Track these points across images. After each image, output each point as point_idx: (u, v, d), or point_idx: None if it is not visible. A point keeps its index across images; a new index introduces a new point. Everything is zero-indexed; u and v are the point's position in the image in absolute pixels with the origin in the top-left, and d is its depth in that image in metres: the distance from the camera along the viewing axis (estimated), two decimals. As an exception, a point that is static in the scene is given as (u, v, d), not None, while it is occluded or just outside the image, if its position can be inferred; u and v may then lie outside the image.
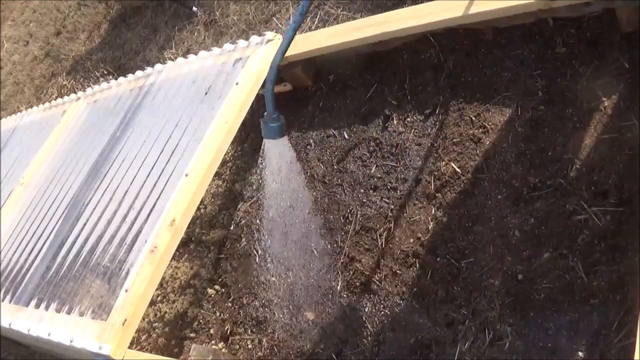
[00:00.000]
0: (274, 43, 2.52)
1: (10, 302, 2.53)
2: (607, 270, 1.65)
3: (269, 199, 1.82)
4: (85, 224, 2.51)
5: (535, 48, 2.08)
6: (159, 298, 2.70)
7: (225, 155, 2.56)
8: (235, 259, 2.54)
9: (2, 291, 2.62)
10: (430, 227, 2.04)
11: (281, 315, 1.99)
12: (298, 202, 1.85)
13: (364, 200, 2.25)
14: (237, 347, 2.31)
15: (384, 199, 2.20)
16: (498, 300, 1.78)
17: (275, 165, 1.69)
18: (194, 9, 3.72)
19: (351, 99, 2.52)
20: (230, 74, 2.49)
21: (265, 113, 1.53)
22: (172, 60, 2.98)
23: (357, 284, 2.11)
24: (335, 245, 2.23)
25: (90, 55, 4.40)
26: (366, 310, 2.04)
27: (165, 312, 2.64)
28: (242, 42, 2.60)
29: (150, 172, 2.42)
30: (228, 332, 2.36)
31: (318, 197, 2.40)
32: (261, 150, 1.64)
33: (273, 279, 1.98)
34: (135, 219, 2.30)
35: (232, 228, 2.64)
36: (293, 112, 2.73)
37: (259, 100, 2.82)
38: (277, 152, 1.64)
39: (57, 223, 2.69)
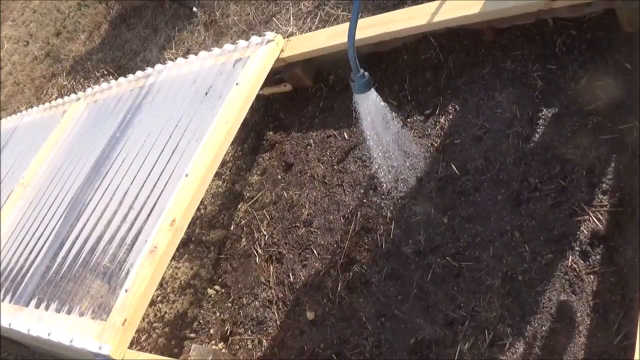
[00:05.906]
0: (274, 43, 2.52)
1: (10, 302, 2.53)
2: (607, 271, 1.65)
3: (371, 148, 2.17)
4: (85, 224, 2.51)
5: (535, 48, 2.08)
6: (159, 298, 2.70)
7: (225, 155, 2.56)
8: (235, 259, 2.54)
9: (2, 291, 2.62)
10: (430, 227, 2.04)
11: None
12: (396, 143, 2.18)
13: (364, 201, 2.25)
14: (237, 347, 2.31)
15: (384, 199, 2.20)
16: (498, 300, 1.78)
17: (369, 116, 1.97)
18: (194, 9, 3.73)
19: (351, 99, 2.52)
20: (230, 74, 2.50)
21: (352, 73, 1.77)
22: (172, 60, 2.98)
23: (357, 284, 2.11)
24: (335, 245, 2.24)
25: (90, 56, 4.40)
26: (366, 310, 2.04)
27: (165, 312, 2.64)
28: (242, 43, 2.60)
29: (150, 173, 2.42)
30: (228, 332, 2.36)
31: (318, 197, 2.40)
32: (354, 105, 1.98)
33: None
34: (135, 219, 2.30)
35: (232, 228, 2.65)
36: (293, 112, 2.73)
37: (259, 100, 2.83)
38: (368, 104, 1.92)
39: (57, 223, 2.69)
